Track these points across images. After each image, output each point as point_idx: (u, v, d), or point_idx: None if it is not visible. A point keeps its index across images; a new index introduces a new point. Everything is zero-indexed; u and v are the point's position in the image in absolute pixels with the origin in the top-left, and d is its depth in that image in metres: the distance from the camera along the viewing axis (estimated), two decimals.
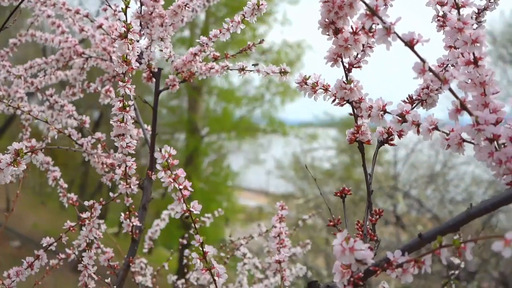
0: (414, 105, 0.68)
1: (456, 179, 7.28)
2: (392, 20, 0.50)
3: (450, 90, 0.50)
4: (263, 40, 1.00)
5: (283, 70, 0.83)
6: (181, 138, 11.91)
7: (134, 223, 0.96)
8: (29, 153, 0.67)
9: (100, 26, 1.05)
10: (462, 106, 0.51)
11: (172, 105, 11.76)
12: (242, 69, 0.95)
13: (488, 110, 0.51)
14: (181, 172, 0.62)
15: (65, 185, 1.09)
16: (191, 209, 0.63)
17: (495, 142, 0.51)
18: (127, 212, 0.95)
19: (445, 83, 0.50)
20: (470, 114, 0.51)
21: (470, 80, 0.55)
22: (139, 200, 1.07)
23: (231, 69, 0.97)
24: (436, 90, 0.66)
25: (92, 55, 1.18)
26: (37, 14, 1.27)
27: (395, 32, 0.50)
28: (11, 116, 7.05)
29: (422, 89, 0.68)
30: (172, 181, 0.61)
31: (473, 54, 0.53)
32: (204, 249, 0.64)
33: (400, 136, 0.67)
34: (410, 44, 0.50)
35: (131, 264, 0.98)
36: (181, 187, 0.62)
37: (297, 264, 1.31)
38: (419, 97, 0.68)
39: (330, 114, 11.30)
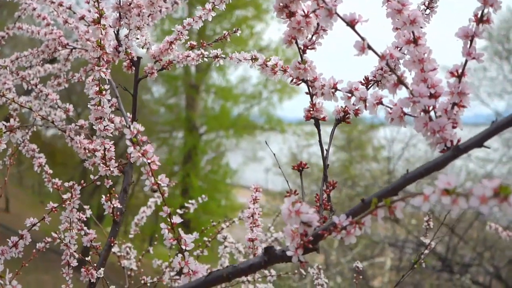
0: (369, 85, 0.72)
1: (452, 174, 7.32)
2: (334, 2, 0.55)
3: (387, 65, 0.55)
4: (238, 29, 1.05)
5: (254, 57, 0.87)
6: (179, 136, 11.95)
7: (115, 205, 1.01)
8: (7, 132, 0.72)
9: (82, 18, 1.09)
10: (399, 81, 0.56)
11: (170, 104, 11.80)
12: (216, 57, 0.99)
13: (422, 84, 0.55)
14: (149, 148, 0.67)
15: (50, 171, 1.13)
16: (159, 182, 0.67)
17: (430, 113, 0.55)
18: (108, 195, 1.00)
19: (382, 59, 0.54)
20: (407, 88, 0.55)
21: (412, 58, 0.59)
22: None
23: (206, 57, 1.01)
24: (390, 71, 0.70)
25: (77, 46, 1.22)
26: (24, 8, 1.31)
27: (336, 13, 0.54)
28: None
29: (377, 70, 0.73)
30: (140, 155, 0.66)
31: (413, 33, 0.58)
32: (172, 220, 0.69)
33: (356, 114, 0.71)
34: (351, 24, 0.55)
35: (112, 244, 1.02)
36: (149, 161, 0.66)
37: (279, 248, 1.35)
38: (374, 78, 0.72)
39: (328, 111, 11.30)
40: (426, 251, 1.11)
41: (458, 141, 0.54)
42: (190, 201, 1.45)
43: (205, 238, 1.34)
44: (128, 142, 0.66)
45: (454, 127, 0.55)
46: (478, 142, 0.51)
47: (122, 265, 1.31)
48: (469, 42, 0.56)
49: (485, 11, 0.55)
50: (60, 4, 1.13)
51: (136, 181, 1.17)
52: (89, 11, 1.13)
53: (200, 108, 11.94)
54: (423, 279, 5.91)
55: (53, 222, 1.13)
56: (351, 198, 7.13)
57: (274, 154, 0.93)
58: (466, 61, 0.56)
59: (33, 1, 1.24)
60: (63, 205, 0.96)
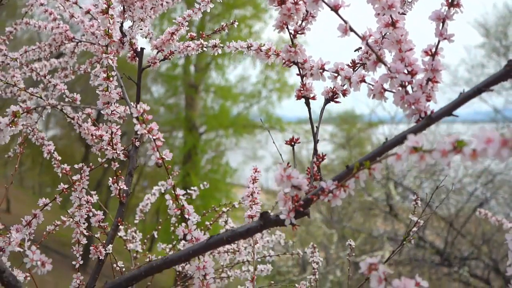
0: (356, 67, 0.79)
1: (451, 169, 7.40)
2: None
3: (368, 45, 0.61)
4: (235, 21, 1.11)
5: (249, 45, 0.93)
6: (179, 136, 12.00)
7: (121, 187, 1.07)
8: (25, 114, 0.78)
9: (88, 12, 1.15)
10: (378, 59, 0.62)
11: (169, 103, 11.86)
12: (215, 46, 1.05)
13: (399, 62, 0.62)
14: (154, 125, 0.73)
15: (59, 157, 1.19)
16: (163, 156, 0.74)
17: (407, 88, 0.62)
18: (115, 177, 1.06)
19: (363, 39, 0.61)
20: (385, 65, 0.62)
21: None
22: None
23: (205, 47, 1.07)
24: (370, 51, 0.77)
25: (82, 39, 1.29)
26: (31, 3, 1.37)
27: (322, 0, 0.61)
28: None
29: (363, 53, 0.79)
30: (146, 132, 0.72)
31: (391, 17, 0.64)
32: (176, 192, 0.75)
33: (344, 94, 0.78)
34: (335, 8, 0.61)
35: (119, 224, 1.09)
36: (154, 137, 0.73)
37: (277, 231, 1.42)
38: (360, 61, 0.79)
39: (327, 109, 11.35)
40: (415, 229, 1.17)
41: (432, 112, 0.61)
42: (192, 187, 1.51)
43: (207, 222, 1.41)
44: (134, 121, 0.72)
45: (428, 100, 0.62)
46: (448, 111, 0.58)
47: (128, 248, 1.37)
48: (441, 24, 0.62)
49: None
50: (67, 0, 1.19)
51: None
52: (95, 5, 1.20)
53: (200, 107, 11.99)
54: (422, 273, 5.98)
55: (52, 221, 1.19)
56: (349, 195, 7.18)
57: (279, 152, 0.98)
58: (439, 41, 0.63)
59: None
60: (73, 187, 1.02)
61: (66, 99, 1.19)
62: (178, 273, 1.44)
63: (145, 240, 1.47)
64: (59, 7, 1.30)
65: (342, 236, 6.35)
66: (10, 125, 0.78)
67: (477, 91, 0.56)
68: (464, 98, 0.57)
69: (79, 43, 1.28)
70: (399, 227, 6.54)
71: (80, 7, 1.19)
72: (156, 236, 1.55)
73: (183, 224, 0.75)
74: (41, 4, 1.30)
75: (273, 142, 1.08)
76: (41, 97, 1.10)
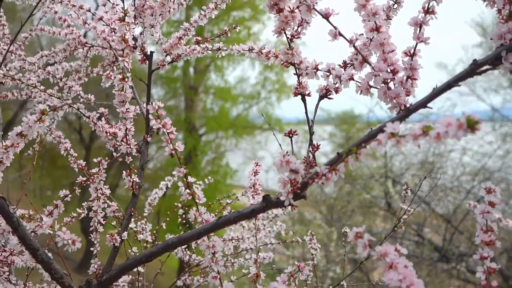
0: (347, 67, 0.88)
1: (448, 167, 7.51)
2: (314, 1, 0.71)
3: (355, 47, 0.71)
4: (236, 25, 1.21)
5: (251, 48, 1.03)
6: (179, 137, 12.10)
7: (135, 180, 1.17)
8: (52, 111, 0.87)
9: (100, 19, 1.25)
10: (364, 60, 0.72)
11: (169, 105, 11.95)
12: (219, 49, 1.15)
13: (382, 62, 0.71)
14: (168, 120, 0.83)
15: (75, 154, 1.29)
16: (176, 148, 0.83)
17: (389, 85, 0.71)
18: (128, 170, 1.16)
19: (350, 43, 0.71)
20: (370, 64, 0.71)
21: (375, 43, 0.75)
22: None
23: (210, 50, 1.17)
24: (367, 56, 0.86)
25: (94, 44, 1.38)
26: (45, 11, 1.47)
27: (314, 8, 0.70)
28: (22, 104, 7.27)
29: (353, 55, 0.88)
30: (161, 126, 0.82)
31: (375, 23, 0.74)
32: (187, 180, 0.85)
33: (336, 91, 0.87)
34: (326, 16, 0.71)
35: (132, 213, 1.18)
36: (168, 131, 0.82)
37: (278, 222, 1.52)
38: (351, 62, 0.88)
39: (326, 110, 11.49)
40: (405, 216, 1.26)
41: (411, 104, 0.70)
42: (198, 182, 1.60)
43: (212, 214, 1.49)
44: (151, 116, 0.82)
45: (407, 95, 0.71)
46: (423, 104, 0.67)
47: (138, 239, 1.46)
48: (418, 28, 0.72)
49: (431, 4, 0.71)
50: (81, 7, 1.29)
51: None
52: (106, 12, 1.30)
53: (199, 109, 12.08)
54: (421, 270, 6.07)
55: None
56: (349, 194, 7.29)
57: (283, 148, 1.07)
58: (416, 43, 0.72)
59: (55, 5, 1.40)
60: (90, 179, 1.12)
61: (81, 100, 1.29)
62: (184, 262, 1.53)
63: (154, 231, 1.56)
64: (71, 15, 1.39)
65: (342, 234, 6.44)
66: (38, 122, 0.87)
67: (448, 86, 0.66)
68: (437, 92, 0.66)
69: (92, 48, 1.38)
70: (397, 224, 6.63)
71: (93, 14, 1.29)
72: (164, 227, 1.64)
73: (194, 208, 0.85)
74: (55, 12, 1.39)
75: (277, 140, 1.17)
76: (59, 98, 1.19)
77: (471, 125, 0.47)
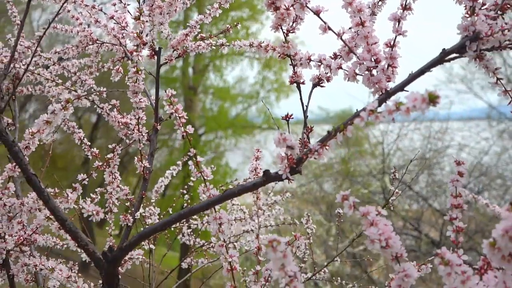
0: (336, 58, 0.99)
1: (446, 163, 7.63)
2: None
3: (342, 40, 0.82)
4: (238, 23, 1.31)
5: (251, 43, 1.14)
6: (178, 138, 12.18)
7: (145, 165, 1.27)
8: (76, 100, 0.98)
9: (112, 17, 1.36)
10: (350, 51, 0.83)
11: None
12: (222, 45, 1.26)
13: (366, 52, 0.82)
14: (179, 106, 0.93)
15: (88, 143, 1.39)
16: (187, 130, 0.94)
17: (372, 72, 0.82)
18: (140, 156, 1.26)
19: (338, 35, 0.81)
20: (355, 54, 0.82)
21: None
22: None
23: (213, 46, 1.28)
24: (354, 47, 0.97)
25: (105, 41, 1.49)
26: (58, 10, 1.57)
27: (306, 6, 0.81)
28: (22, 106, 7.39)
29: (342, 47, 0.99)
30: (174, 111, 0.92)
31: (360, 18, 0.84)
32: (197, 159, 0.96)
33: (328, 80, 0.98)
34: (316, 13, 0.82)
35: (143, 196, 1.29)
36: (180, 116, 0.93)
37: (276, 206, 1.63)
38: (340, 53, 0.99)
39: (325, 109, 11.60)
40: (393, 198, 1.37)
41: (390, 89, 0.81)
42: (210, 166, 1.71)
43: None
44: (164, 103, 0.93)
45: (388, 81, 0.82)
46: (400, 88, 0.78)
47: (147, 223, 1.57)
48: (397, 23, 0.83)
49: (407, 1, 0.82)
50: (93, 7, 1.40)
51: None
52: (115, 10, 1.40)
53: (199, 109, 12.17)
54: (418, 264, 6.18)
55: None
56: (348, 190, 7.39)
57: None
58: (396, 36, 0.83)
59: (68, 4, 1.50)
60: (106, 163, 1.22)
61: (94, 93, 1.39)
62: (189, 245, 1.64)
63: (162, 216, 1.67)
64: (81, 13, 1.50)
65: (341, 229, 6.56)
66: (63, 110, 0.98)
67: (421, 72, 0.77)
68: (412, 78, 0.77)
69: (102, 44, 1.49)
70: (396, 220, 6.75)
71: (105, 13, 1.40)
72: (171, 212, 1.75)
73: (203, 184, 0.96)
74: (68, 11, 1.50)
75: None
76: (75, 91, 1.30)
77: (432, 99, 0.58)
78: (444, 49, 0.76)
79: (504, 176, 7.72)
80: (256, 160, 1.25)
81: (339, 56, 0.98)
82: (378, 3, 1.02)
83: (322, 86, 0.98)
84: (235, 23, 1.31)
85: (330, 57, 0.98)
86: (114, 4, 1.40)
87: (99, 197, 1.34)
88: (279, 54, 0.94)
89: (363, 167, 8.53)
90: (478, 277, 0.69)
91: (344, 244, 5.62)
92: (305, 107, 0.96)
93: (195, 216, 1.69)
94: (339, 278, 1.58)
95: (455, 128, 8.53)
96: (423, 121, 7.79)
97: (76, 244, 0.90)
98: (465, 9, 0.79)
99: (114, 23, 1.38)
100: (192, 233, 1.68)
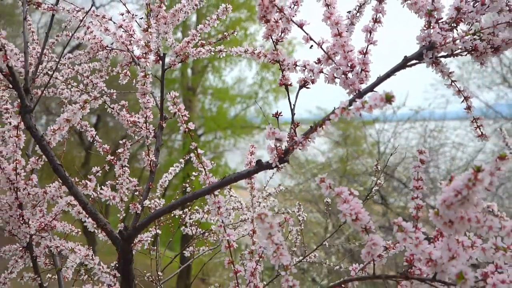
0: (320, 63, 1.14)
1: (440, 160, 7.79)
2: (292, 13, 0.96)
3: (321, 48, 0.96)
4: (235, 31, 1.46)
5: (246, 50, 1.28)
6: (178, 138, 12.34)
7: (152, 159, 1.42)
8: (92, 100, 1.12)
9: (120, 26, 1.50)
10: (328, 57, 0.97)
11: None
12: (220, 51, 1.41)
13: (343, 58, 0.97)
14: (182, 106, 1.08)
15: (100, 140, 1.54)
16: (189, 127, 1.09)
17: (348, 75, 0.97)
18: (147, 151, 1.41)
19: (318, 45, 0.96)
20: (333, 61, 0.97)
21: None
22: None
23: (213, 52, 1.42)
24: (333, 54, 1.12)
25: (113, 47, 1.63)
26: (69, 20, 1.72)
27: (292, 20, 0.96)
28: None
29: (323, 55, 1.14)
30: (177, 110, 1.07)
31: (337, 29, 0.99)
32: (198, 152, 1.10)
33: (312, 82, 1.12)
34: (300, 25, 0.96)
35: (150, 187, 1.43)
36: (182, 114, 1.08)
37: (271, 198, 1.77)
38: (321, 60, 1.14)
39: (323, 109, 11.74)
40: (376, 188, 1.51)
41: (362, 89, 0.96)
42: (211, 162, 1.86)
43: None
44: (169, 103, 1.07)
45: (361, 83, 0.97)
46: (370, 89, 0.93)
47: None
48: (369, 33, 0.97)
49: (378, 15, 0.97)
50: (103, 17, 1.54)
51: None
52: (123, 20, 1.55)
53: (198, 110, 12.31)
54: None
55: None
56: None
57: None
58: (368, 45, 0.98)
59: (79, 14, 1.65)
60: (117, 157, 1.37)
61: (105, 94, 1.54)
62: (191, 235, 1.79)
63: None
64: (92, 22, 1.65)
65: (338, 226, 6.71)
66: (81, 109, 1.12)
67: (386, 76, 0.91)
68: (379, 80, 0.92)
69: (111, 50, 1.63)
70: (391, 217, 6.90)
71: (114, 23, 1.54)
72: None
73: (203, 173, 1.10)
74: (81, 20, 1.64)
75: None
76: (87, 92, 1.44)
77: (388, 99, 0.73)
78: (405, 56, 0.90)
79: (499, 174, 7.84)
80: (251, 155, 1.39)
81: (321, 61, 1.13)
82: (356, 14, 1.17)
83: (307, 88, 1.13)
84: (231, 31, 1.45)
85: (315, 62, 1.13)
86: (122, 14, 1.55)
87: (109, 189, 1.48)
88: (269, 60, 1.09)
89: (360, 166, 8.67)
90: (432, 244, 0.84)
91: (340, 240, 5.77)
92: (292, 106, 1.11)
93: (196, 207, 1.83)
94: (331, 263, 1.71)
95: (451, 127, 8.70)
96: (417, 120, 7.95)
97: (95, 224, 1.04)
98: (424, 22, 0.93)
99: (123, 31, 1.53)
100: (194, 223, 1.83)
